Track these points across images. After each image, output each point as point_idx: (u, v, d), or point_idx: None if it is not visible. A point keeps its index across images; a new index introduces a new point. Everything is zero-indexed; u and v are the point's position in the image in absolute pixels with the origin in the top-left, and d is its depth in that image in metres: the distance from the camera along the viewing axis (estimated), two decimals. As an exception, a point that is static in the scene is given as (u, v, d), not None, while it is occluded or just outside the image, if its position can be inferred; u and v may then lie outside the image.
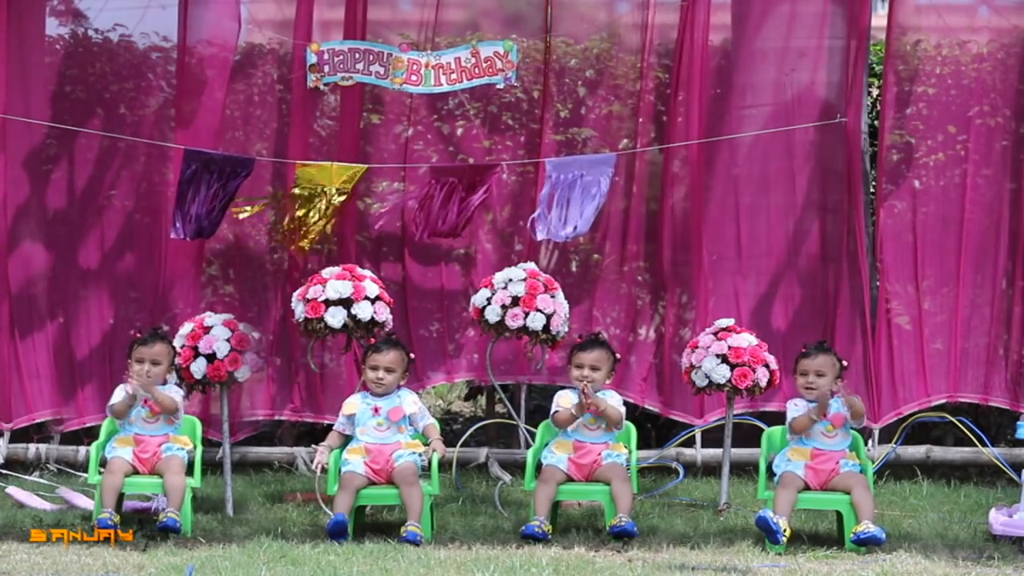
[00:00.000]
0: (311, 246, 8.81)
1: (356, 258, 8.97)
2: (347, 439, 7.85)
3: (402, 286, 9.20)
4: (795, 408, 7.71)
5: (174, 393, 7.87)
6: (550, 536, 7.52)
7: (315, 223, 8.69)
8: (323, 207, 8.69)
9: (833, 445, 7.67)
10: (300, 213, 8.70)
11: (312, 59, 8.85)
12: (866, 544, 7.32)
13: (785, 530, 7.36)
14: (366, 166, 8.90)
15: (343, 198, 8.73)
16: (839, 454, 7.65)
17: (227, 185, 8.58)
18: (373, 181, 9.21)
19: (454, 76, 8.91)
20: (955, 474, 9.32)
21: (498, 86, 9.00)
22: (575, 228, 8.72)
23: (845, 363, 7.83)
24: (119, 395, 7.81)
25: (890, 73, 9.16)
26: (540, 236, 8.80)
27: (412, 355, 8.04)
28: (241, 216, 8.88)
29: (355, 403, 7.89)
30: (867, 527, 7.35)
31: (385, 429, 7.80)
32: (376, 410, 7.82)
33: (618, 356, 8.03)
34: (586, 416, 7.80)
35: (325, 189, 8.70)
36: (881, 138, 9.17)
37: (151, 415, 7.83)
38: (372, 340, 8.10)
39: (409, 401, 7.88)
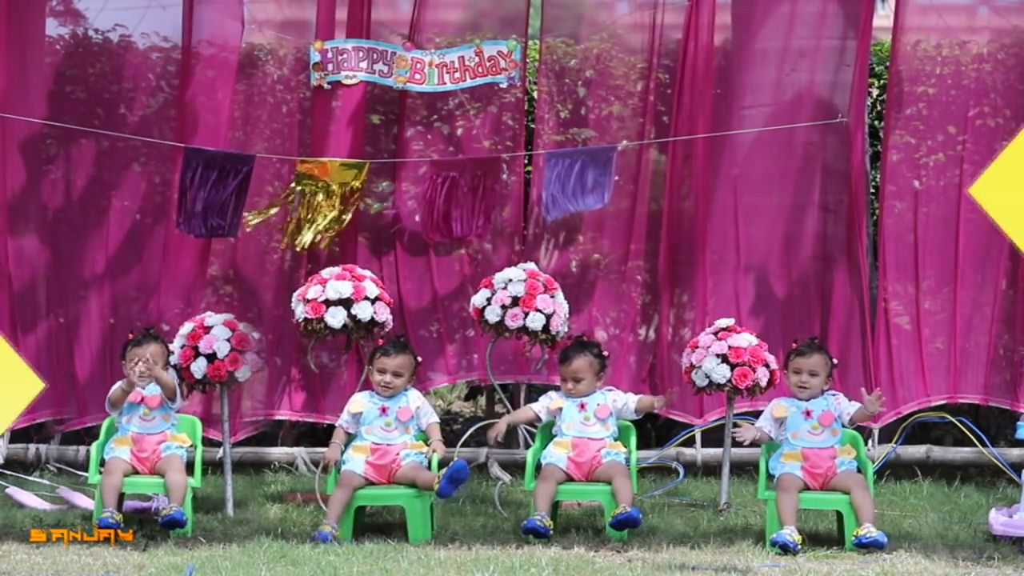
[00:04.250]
0: (329, 244, 8.80)
1: (355, 258, 8.97)
2: (352, 437, 7.85)
3: (401, 286, 9.19)
4: (769, 411, 7.73)
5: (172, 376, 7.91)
6: (551, 531, 7.52)
7: (320, 218, 8.70)
8: (325, 201, 8.70)
9: (822, 443, 7.66)
10: (302, 212, 8.71)
11: (316, 57, 8.85)
12: (868, 548, 7.31)
13: (798, 541, 7.36)
14: (368, 162, 8.90)
15: (355, 195, 8.74)
16: (830, 451, 7.65)
17: (231, 182, 8.57)
18: (373, 181, 9.20)
19: (457, 75, 8.92)
20: (955, 474, 9.32)
21: (501, 85, 9.01)
22: (582, 200, 8.76)
23: (835, 361, 7.85)
24: (115, 386, 7.83)
25: (891, 73, 9.16)
26: (551, 216, 8.84)
27: (419, 359, 8.04)
28: (251, 223, 8.81)
29: (362, 401, 7.89)
30: (869, 531, 7.33)
31: (393, 429, 7.81)
32: (384, 410, 7.82)
33: (605, 354, 8.02)
34: (581, 413, 7.82)
35: (324, 185, 8.71)
36: (883, 138, 9.18)
37: (148, 412, 7.84)
38: (373, 341, 8.09)
39: (414, 397, 7.90)
